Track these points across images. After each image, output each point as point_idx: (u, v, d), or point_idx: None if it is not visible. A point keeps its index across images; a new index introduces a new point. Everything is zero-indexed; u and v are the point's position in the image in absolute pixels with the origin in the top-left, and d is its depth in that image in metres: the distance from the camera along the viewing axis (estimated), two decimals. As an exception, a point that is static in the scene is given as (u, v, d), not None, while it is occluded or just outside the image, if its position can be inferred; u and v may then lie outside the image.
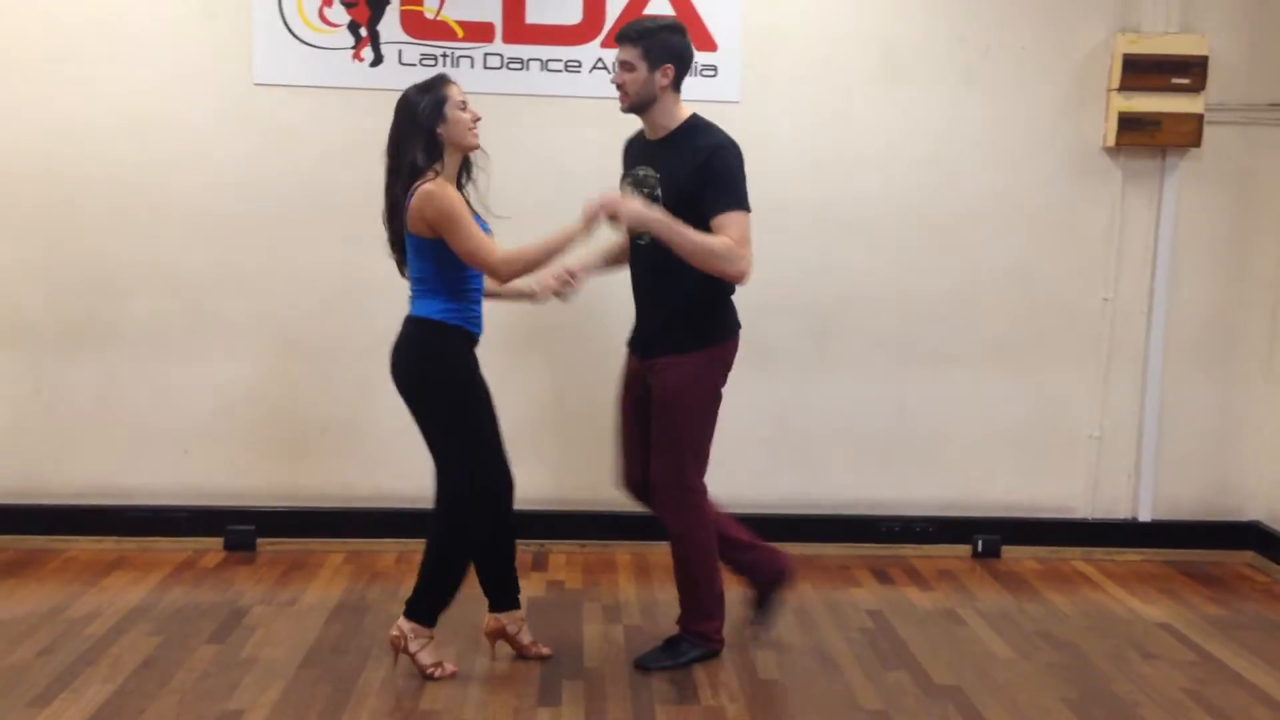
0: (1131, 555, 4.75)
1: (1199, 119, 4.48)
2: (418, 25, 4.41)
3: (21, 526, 4.48)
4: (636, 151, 3.59)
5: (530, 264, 3.31)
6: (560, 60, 4.45)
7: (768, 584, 3.78)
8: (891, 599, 4.22)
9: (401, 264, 3.42)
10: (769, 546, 3.77)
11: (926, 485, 4.72)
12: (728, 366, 3.57)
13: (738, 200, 3.36)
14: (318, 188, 4.45)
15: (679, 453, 3.50)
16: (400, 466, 4.58)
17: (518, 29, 4.43)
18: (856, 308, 4.62)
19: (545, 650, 3.60)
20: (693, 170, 3.36)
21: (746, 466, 4.63)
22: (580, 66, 4.46)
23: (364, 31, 4.40)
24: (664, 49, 3.39)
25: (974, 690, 3.45)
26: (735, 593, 3.75)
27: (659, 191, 3.43)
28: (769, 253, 4.54)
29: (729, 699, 3.35)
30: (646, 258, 3.47)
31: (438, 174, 3.28)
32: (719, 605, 3.63)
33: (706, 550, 3.56)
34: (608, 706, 3.28)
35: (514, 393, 4.54)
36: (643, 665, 3.55)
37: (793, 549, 4.60)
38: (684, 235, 3.29)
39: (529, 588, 4.18)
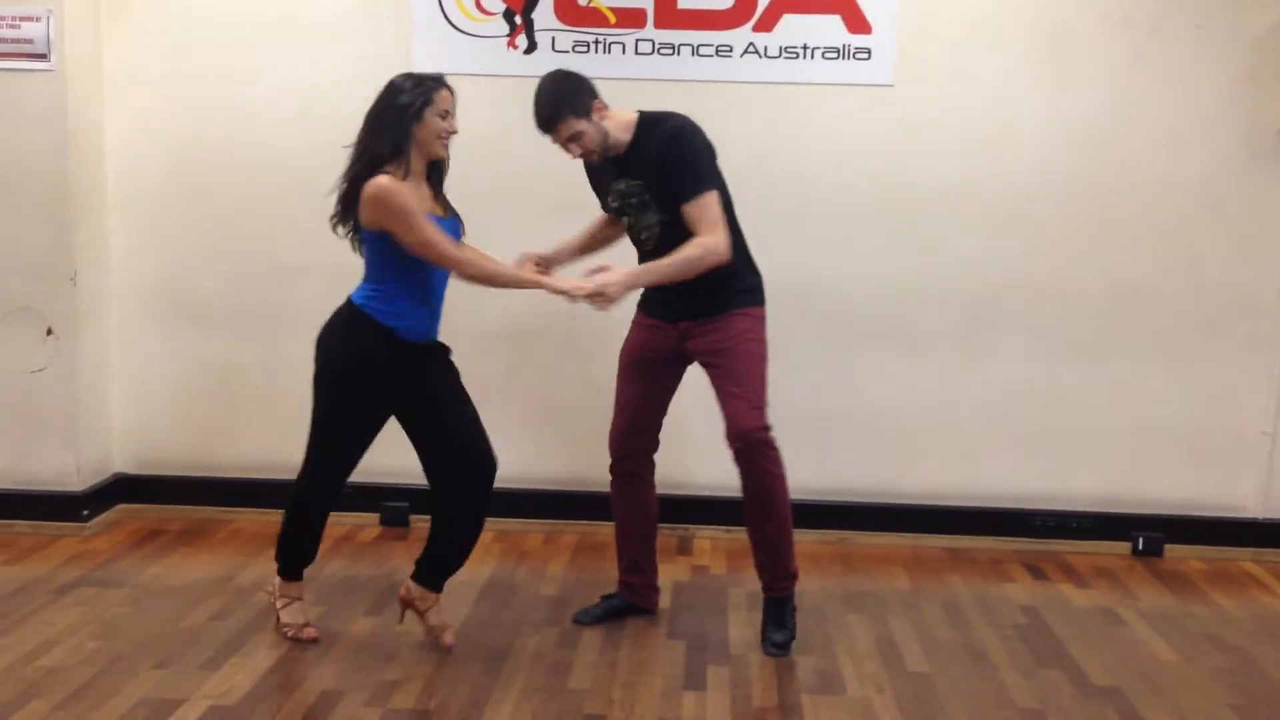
0: (1306, 558, 4.53)
1: (1390, 97, 4.22)
2: (571, 12, 4.46)
3: (193, 498, 4.71)
4: (606, 169, 3.55)
5: (491, 276, 3.37)
6: (711, 45, 4.44)
7: (640, 608, 3.82)
8: (1046, 595, 4.11)
9: (354, 242, 3.39)
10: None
11: (1084, 479, 4.58)
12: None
13: (699, 181, 3.36)
14: (474, 174, 4.52)
15: (761, 395, 3.48)
16: (546, 449, 4.66)
17: (670, 14, 4.44)
18: (1014, 295, 4.50)
19: (449, 639, 3.53)
20: (659, 165, 3.37)
21: (893, 455, 4.57)
22: (731, 51, 4.45)
23: (518, 19, 4.46)
24: (576, 96, 3.40)
25: (1135, 693, 3.33)
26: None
27: (647, 196, 3.45)
28: (923, 239, 4.50)
29: (876, 690, 3.32)
30: (663, 243, 3.46)
31: (396, 169, 3.24)
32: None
33: (788, 495, 3.56)
34: (753, 693, 3.28)
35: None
36: (781, 649, 3.54)
37: (942, 541, 4.58)
38: (665, 269, 3.36)
39: (674, 572, 4.22)
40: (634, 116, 3.49)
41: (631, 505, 3.76)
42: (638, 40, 4.46)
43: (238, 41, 4.50)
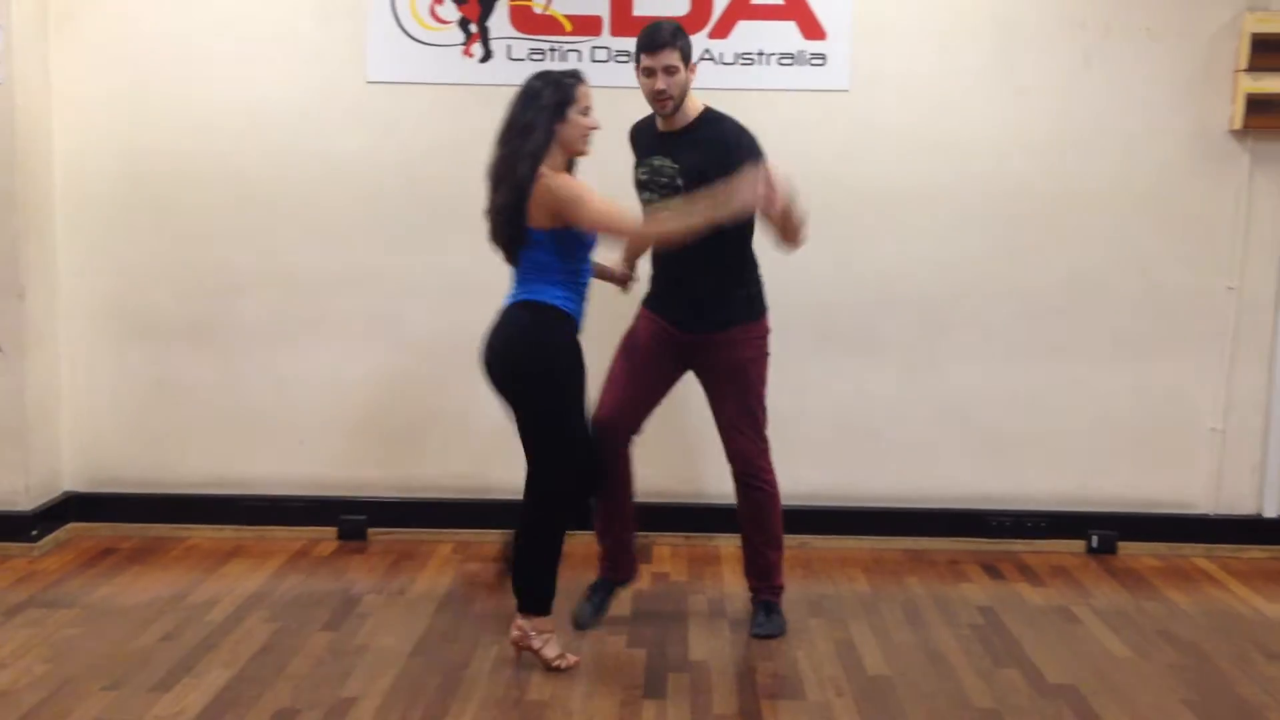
0: (1256, 552, 4.58)
1: (1332, 99, 4.29)
2: (527, 20, 4.44)
3: (146, 515, 4.64)
4: (648, 141, 3.61)
5: (680, 227, 3.26)
6: (666, 52, 4.44)
7: (623, 580, 3.88)
8: (1003, 595, 4.13)
9: (511, 253, 3.37)
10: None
11: (1039, 479, 4.61)
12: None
13: None
14: (430, 184, 4.52)
15: (761, 424, 3.66)
16: (509, 458, 4.61)
17: (626, 21, 4.43)
18: (970, 298, 4.53)
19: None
20: (721, 157, 3.38)
21: (852, 458, 4.59)
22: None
23: (474, 28, 4.45)
24: (689, 47, 3.51)
25: (1090, 690, 3.36)
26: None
27: (679, 181, 3.48)
28: (879, 243, 4.52)
29: (835, 694, 3.32)
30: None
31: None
32: None
33: (781, 514, 3.76)
34: (713, 700, 3.28)
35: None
36: (766, 631, 3.69)
37: (901, 543, 4.60)
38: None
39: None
40: (701, 106, 3.56)
41: (613, 482, 3.71)
42: (594, 47, 4.46)
43: (189, 52, 4.45)
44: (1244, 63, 4.30)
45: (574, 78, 3.31)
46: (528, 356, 3.34)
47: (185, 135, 4.49)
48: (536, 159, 3.23)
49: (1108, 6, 4.39)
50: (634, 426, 3.71)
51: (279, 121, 4.49)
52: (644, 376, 3.68)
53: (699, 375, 3.71)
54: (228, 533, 4.63)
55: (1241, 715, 3.24)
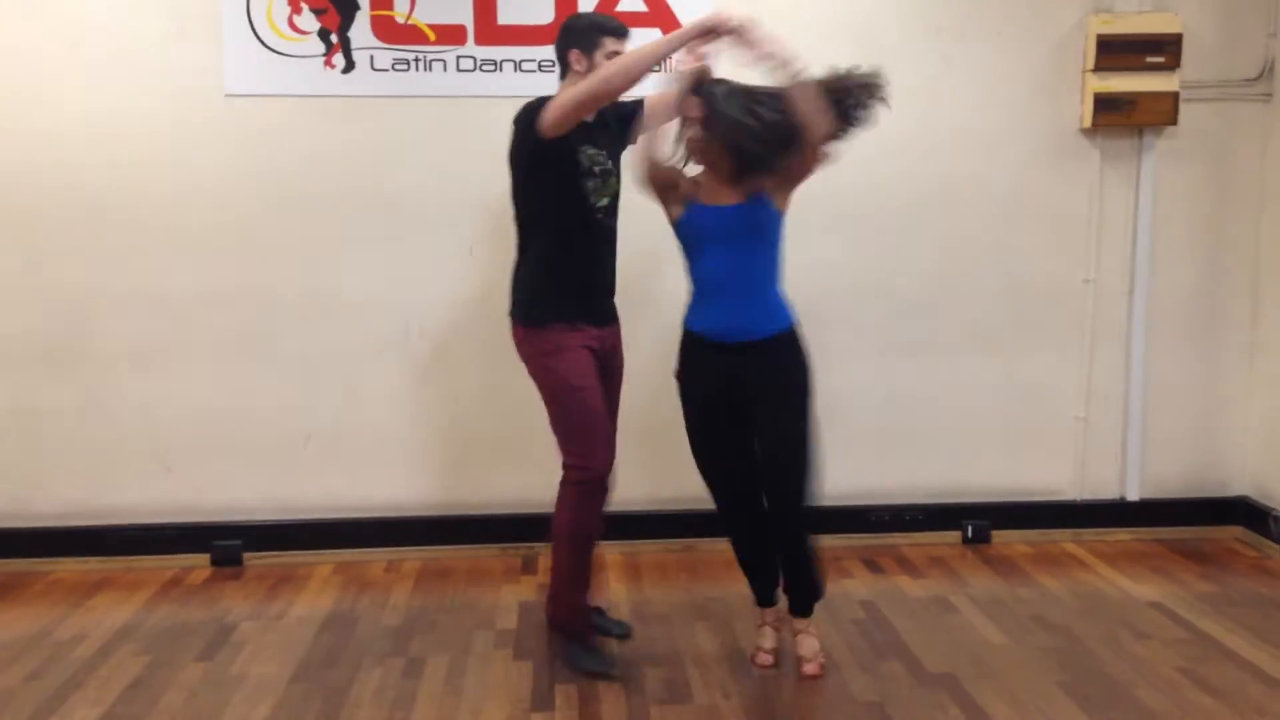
0: (1121, 535, 4.76)
1: (1174, 97, 4.47)
2: (389, 30, 4.38)
3: (4, 550, 4.43)
4: (576, 132, 3.44)
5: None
6: (534, 60, 4.42)
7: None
8: (883, 589, 4.21)
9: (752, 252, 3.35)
10: None
11: (915, 473, 4.72)
12: None
13: None
14: (292, 198, 4.42)
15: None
16: (386, 475, 4.56)
17: (490, 30, 4.40)
18: (837, 298, 4.60)
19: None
20: (623, 128, 3.52)
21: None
22: (555, 66, 4.41)
23: (335, 38, 4.36)
24: (566, 40, 3.47)
25: (968, 678, 3.45)
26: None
27: (610, 165, 3.49)
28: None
29: (722, 696, 3.34)
30: (615, 209, 3.54)
31: None
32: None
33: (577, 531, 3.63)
34: (601, 709, 3.27)
35: (488, 398, 4.53)
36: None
37: (783, 542, 4.63)
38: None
39: (519, 591, 4.18)
40: None
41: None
42: (459, 57, 4.41)
43: (37, 67, 4.27)
44: (1091, 63, 4.47)
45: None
46: (804, 363, 3.40)
47: (37, 151, 4.30)
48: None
49: (963, 11, 4.51)
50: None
51: (132, 136, 4.33)
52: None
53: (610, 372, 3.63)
54: (93, 565, 4.45)
55: (1112, 694, 3.35)
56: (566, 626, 3.60)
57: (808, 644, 3.52)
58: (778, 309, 3.37)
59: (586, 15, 3.69)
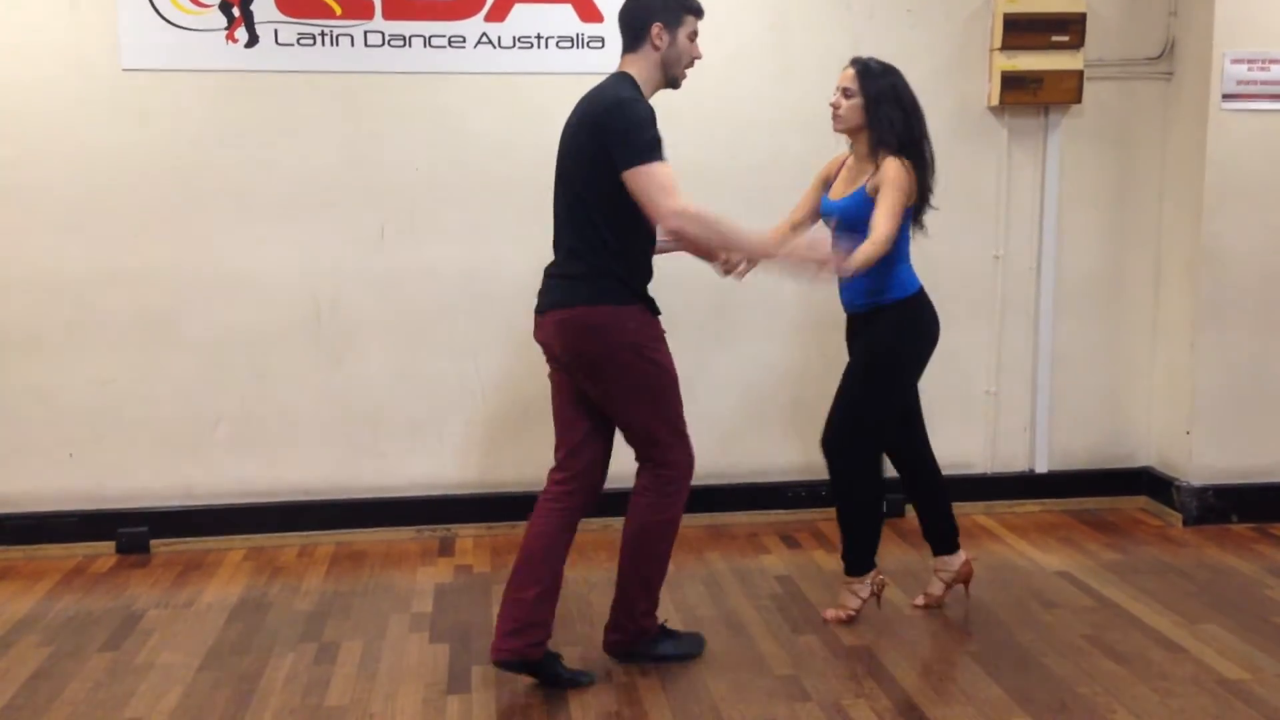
0: (1031, 506, 4.86)
1: (1079, 75, 4.55)
2: (294, 3, 4.27)
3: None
4: None
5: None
6: (444, 36, 4.36)
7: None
8: (800, 563, 4.25)
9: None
10: None
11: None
12: None
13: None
14: (193, 175, 4.30)
15: None
16: (300, 457, 4.48)
17: (399, 5, 4.32)
18: (754, 275, 4.60)
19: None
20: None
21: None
22: (465, 42, 4.37)
23: (236, 11, 4.25)
24: (648, 12, 3.28)
25: (882, 649, 3.49)
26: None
27: None
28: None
29: (640, 673, 3.34)
30: None
31: None
32: None
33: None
34: (518, 688, 3.25)
35: (400, 380, 4.47)
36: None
37: (703, 519, 4.65)
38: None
39: (435, 574, 4.14)
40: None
41: None
42: (366, 32, 4.33)
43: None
44: (997, 42, 4.53)
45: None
46: (916, 336, 3.82)
47: (-79, 130, 4.14)
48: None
49: (872, -11, 4.55)
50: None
51: (25, 113, 4.18)
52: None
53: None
54: (14, 554, 4.31)
55: (1022, 662, 3.41)
56: (650, 630, 3.42)
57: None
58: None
59: None
